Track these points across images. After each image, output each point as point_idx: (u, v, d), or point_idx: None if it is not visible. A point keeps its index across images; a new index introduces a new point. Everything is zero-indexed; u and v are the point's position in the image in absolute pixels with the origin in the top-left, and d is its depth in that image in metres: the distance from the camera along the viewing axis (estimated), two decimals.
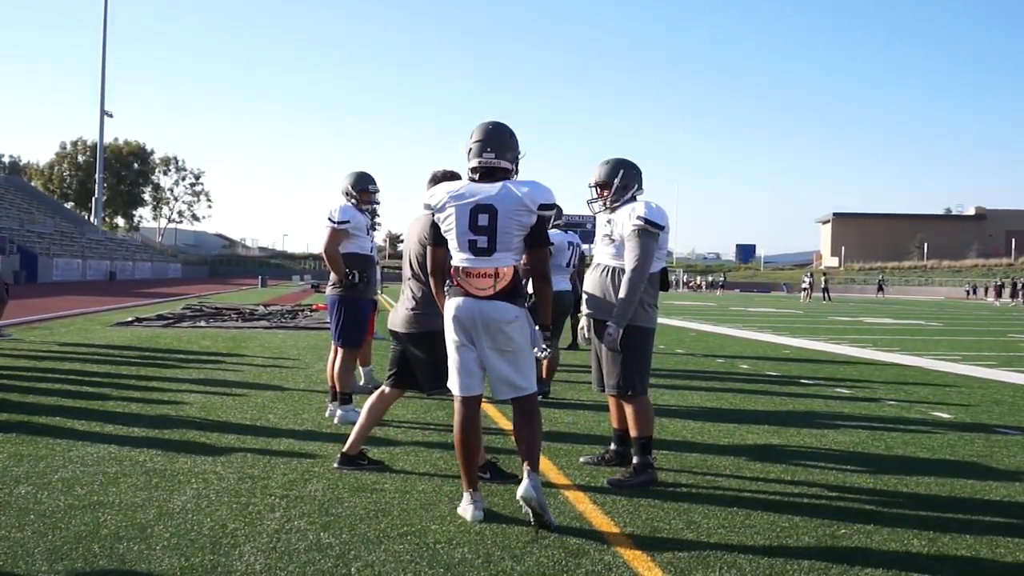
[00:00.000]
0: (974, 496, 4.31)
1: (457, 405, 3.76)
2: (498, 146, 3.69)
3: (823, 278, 48.40)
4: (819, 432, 5.93)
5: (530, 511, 3.53)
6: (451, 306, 3.68)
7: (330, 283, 6.08)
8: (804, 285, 45.48)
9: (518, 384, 3.65)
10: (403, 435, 5.43)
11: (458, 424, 3.73)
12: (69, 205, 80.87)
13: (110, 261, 54.26)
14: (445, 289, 3.74)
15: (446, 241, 3.74)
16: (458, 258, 3.67)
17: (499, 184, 3.63)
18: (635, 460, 4.38)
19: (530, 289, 4.01)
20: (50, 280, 41.23)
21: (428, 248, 3.86)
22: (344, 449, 4.49)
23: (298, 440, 5.21)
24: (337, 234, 5.84)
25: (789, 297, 50.83)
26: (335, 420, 5.82)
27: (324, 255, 5.93)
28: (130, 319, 15.56)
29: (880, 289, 58.93)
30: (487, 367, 3.68)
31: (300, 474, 4.34)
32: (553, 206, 3.65)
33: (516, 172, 3.79)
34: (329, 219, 5.83)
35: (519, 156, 3.79)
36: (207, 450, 4.85)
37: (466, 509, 3.66)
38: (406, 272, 4.38)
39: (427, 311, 4.19)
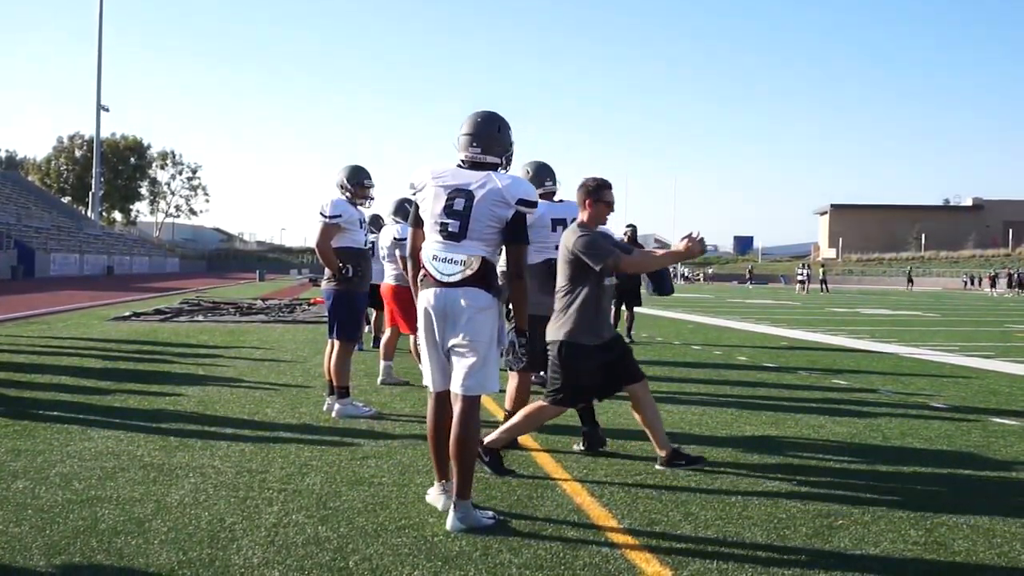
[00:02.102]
0: (971, 486, 4.32)
1: (430, 401, 3.69)
2: (485, 141, 3.61)
3: (821, 270, 48.25)
4: (817, 423, 5.94)
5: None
6: (422, 298, 3.58)
7: (326, 277, 6.08)
8: (800, 277, 45.12)
9: (468, 383, 3.46)
10: (401, 428, 5.43)
11: (430, 419, 3.68)
12: (66, 200, 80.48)
13: (107, 256, 54.24)
14: (419, 279, 3.62)
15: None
16: (429, 240, 3.57)
17: (483, 173, 3.54)
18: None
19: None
20: (47, 275, 41.20)
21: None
22: (488, 441, 4.36)
23: (296, 434, 5.22)
24: (329, 229, 5.83)
25: (787, 289, 50.85)
26: (333, 414, 5.82)
27: (316, 250, 5.92)
28: (128, 314, 15.56)
29: (910, 281, 57.48)
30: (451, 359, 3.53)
31: (298, 468, 4.34)
32: (533, 203, 3.52)
33: (506, 167, 3.71)
34: (321, 213, 5.83)
35: (510, 150, 3.71)
36: (205, 444, 4.85)
37: (437, 499, 3.68)
38: None
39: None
